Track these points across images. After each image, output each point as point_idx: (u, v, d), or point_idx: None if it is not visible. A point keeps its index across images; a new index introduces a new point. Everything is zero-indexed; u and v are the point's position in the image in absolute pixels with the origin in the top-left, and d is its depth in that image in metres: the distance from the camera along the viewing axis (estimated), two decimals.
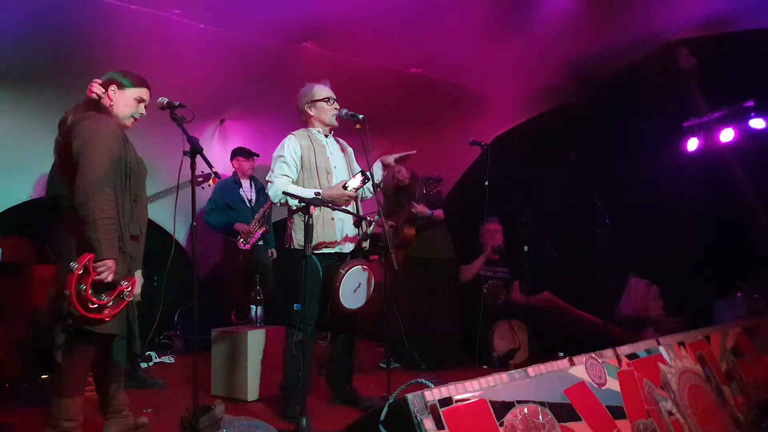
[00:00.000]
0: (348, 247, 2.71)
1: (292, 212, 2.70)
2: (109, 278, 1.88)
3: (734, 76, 3.58)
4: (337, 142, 2.87)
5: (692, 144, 3.73)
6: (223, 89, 4.11)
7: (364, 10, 3.32)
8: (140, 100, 2.16)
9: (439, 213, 3.84)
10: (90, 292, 1.84)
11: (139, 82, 2.16)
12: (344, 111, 2.69)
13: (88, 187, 1.88)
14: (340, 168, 2.76)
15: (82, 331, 1.90)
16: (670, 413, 1.75)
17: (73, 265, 1.83)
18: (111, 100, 2.11)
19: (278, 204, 2.66)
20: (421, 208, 3.74)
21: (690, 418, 1.81)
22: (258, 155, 4.43)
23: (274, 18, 3.35)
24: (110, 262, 1.87)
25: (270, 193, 2.67)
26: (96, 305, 1.86)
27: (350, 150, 2.90)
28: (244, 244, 4.10)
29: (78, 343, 1.95)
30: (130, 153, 2.08)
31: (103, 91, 2.10)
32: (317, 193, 2.55)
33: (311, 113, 2.77)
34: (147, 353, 4.06)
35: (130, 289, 1.97)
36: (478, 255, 4.28)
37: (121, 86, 2.12)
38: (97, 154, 1.92)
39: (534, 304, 4.04)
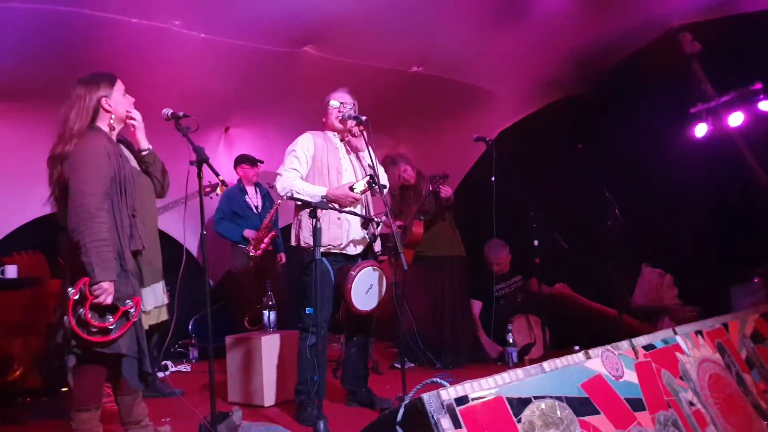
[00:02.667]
0: (354, 249, 2.72)
1: (298, 209, 2.73)
2: (108, 300, 1.86)
3: (740, 59, 3.53)
4: (349, 145, 2.88)
5: (700, 130, 3.67)
6: (226, 97, 4.13)
7: (362, 12, 3.32)
8: (125, 92, 2.15)
9: (447, 191, 3.75)
10: (89, 315, 1.83)
11: (112, 80, 2.12)
12: (347, 113, 2.72)
13: (78, 211, 1.86)
14: (351, 170, 2.78)
15: (90, 352, 1.90)
16: (691, 404, 1.73)
17: (70, 290, 1.82)
18: (111, 112, 2.08)
19: (284, 197, 2.70)
20: (446, 190, 3.69)
21: (711, 408, 1.79)
22: (262, 162, 4.45)
23: (272, 24, 3.36)
24: (106, 285, 1.85)
25: (277, 185, 2.71)
26: (97, 328, 1.85)
27: (366, 160, 2.88)
28: (254, 251, 4.11)
29: (87, 363, 1.95)
30: (125, 168, 2.04)
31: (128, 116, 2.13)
32: (324, 197, 2.56)
33: (324, 118, 2.84)
34: (163, 363, 4.10)
35: (134, 309, 1.94)
36: (484, 268, 4.21)
37: (107, 94, 2.08)
38: (83, 176, 1.90)
39: (547, 295, 4.01)
